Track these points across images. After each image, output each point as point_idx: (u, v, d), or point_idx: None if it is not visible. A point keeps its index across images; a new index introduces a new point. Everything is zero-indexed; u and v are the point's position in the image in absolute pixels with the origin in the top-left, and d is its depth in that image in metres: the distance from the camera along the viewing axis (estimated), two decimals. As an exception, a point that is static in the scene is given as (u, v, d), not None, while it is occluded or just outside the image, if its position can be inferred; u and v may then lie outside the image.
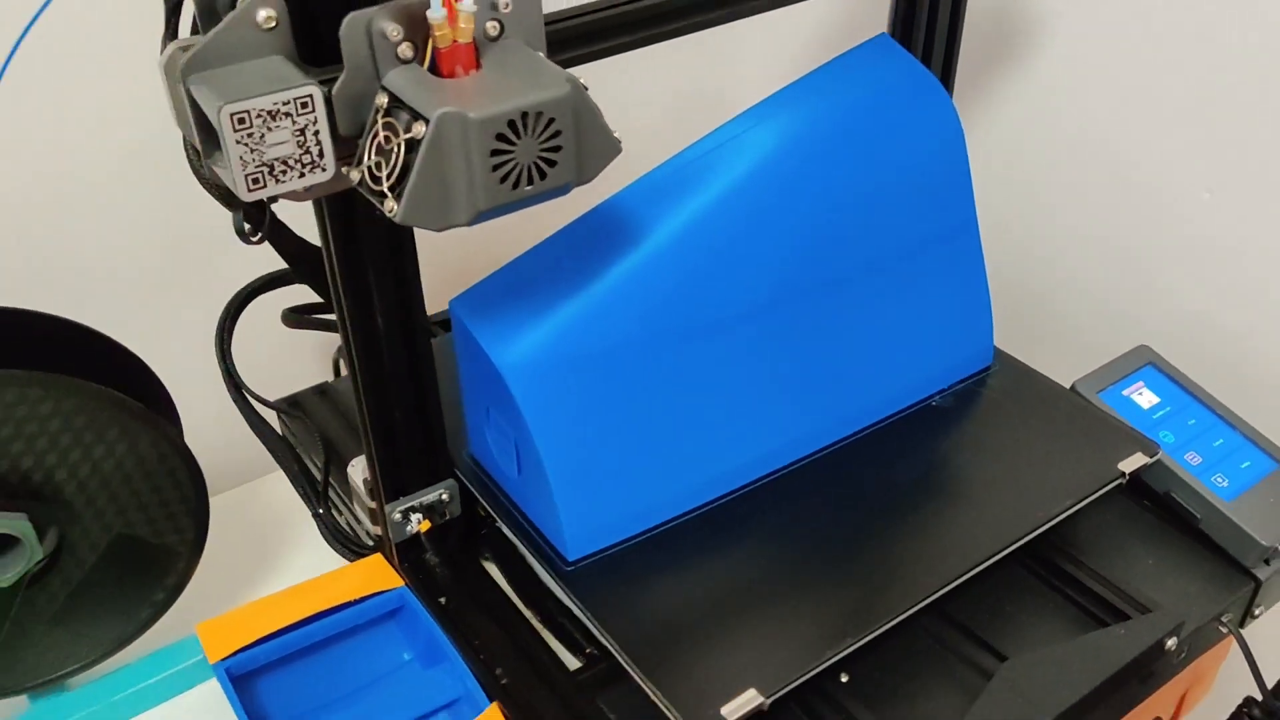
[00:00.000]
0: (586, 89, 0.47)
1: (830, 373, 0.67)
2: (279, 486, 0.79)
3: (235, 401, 0.70)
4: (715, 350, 0.62)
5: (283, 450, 0.72)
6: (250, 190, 0.46)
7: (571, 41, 0.56)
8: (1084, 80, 0.86)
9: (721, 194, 0.61)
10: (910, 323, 0.70)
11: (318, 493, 0.72)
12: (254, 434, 0.71)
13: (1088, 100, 0.86)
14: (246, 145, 0.45)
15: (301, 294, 0.70)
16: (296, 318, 0.75)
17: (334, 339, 0.84)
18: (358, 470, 0.70)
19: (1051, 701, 0.56)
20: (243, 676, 0.61)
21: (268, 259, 0.64)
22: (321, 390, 0.83)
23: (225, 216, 0.56)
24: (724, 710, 0.52)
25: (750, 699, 0.53)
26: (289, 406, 0.79)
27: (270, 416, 0.74)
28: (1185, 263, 0.84)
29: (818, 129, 0.64)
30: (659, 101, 1.04)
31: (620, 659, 0.56)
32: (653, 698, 0.54)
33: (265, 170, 0.46)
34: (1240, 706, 0.68)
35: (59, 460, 0.56)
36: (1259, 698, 0.66)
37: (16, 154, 0.77)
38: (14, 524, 0.54)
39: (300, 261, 0.63)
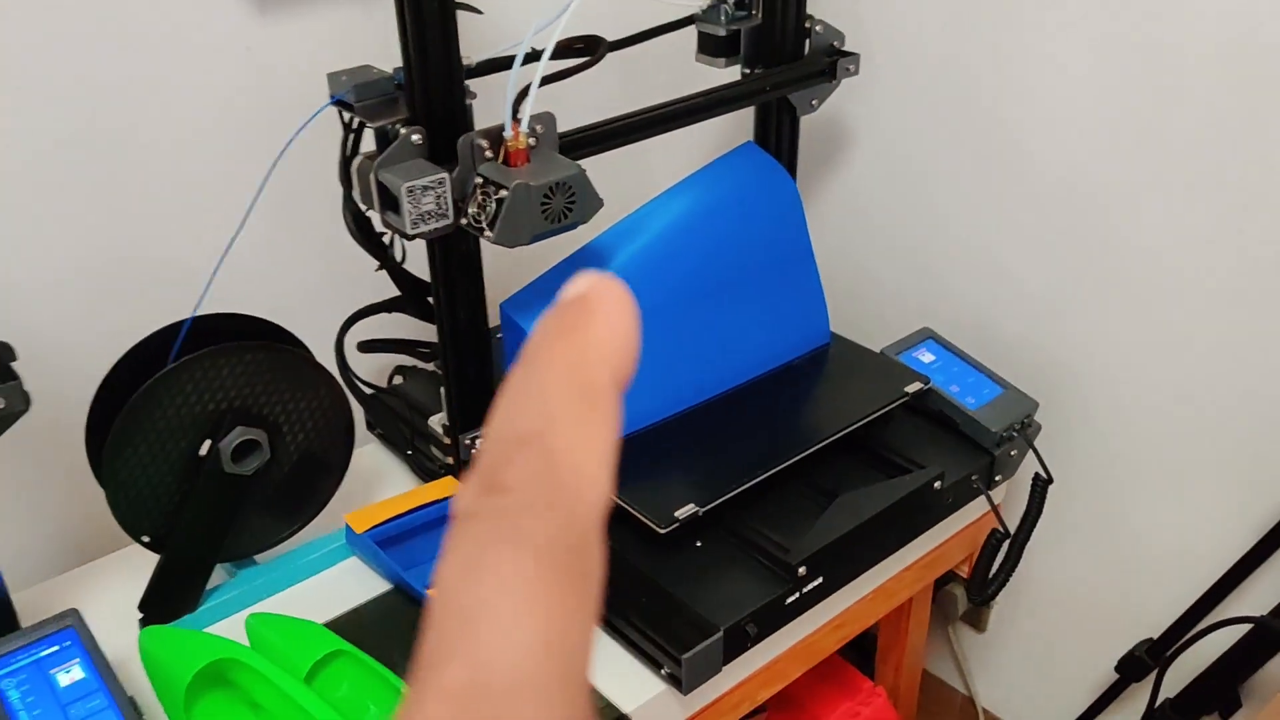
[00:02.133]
0: (584, 170, 0.90)
1: (731, 343, 1.09)
2: (373, 452, 1.17)
3: (346, 384, 1.08)
4: (662, 321, 1.04)
5: (384, 415, 1.11)
6: (412, 229, 0.87)
7: (571, 148, 0.98)
8: (874, 154, 1.32)
9: (663, 229, 1.03)
10: (777, 314, 1.12)
11: (406, 440, 1.10)
12: (362, 406, 1.09)
13: (882, 167, 1.32)
14: (412, 205, 0.86)
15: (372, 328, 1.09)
16: (370, 343, 1.14)
17: (390, 361, 1.23)
18: (436, 422, 1.08)
19: (866, 510, 0.97)
20: (378, 541, 0.99)
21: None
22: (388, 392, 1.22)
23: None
24: (676, 513, 0.92)
25: (690, 509, 0.92)
26: (382, 391, 1.18)
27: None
28: (956, 267, 1.29)
29: (713, 195, 1.07)
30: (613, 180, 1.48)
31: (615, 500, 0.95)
32: (632, 511, 0.93)
33: (421, 219, 0.87)
34: (988, 537, 1.10)
35: (273, 398, 0.93)
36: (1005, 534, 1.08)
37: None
38: (256, 433, 0.91)
39: (404, 288, 1.04)
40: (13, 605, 0.85)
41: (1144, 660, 1.18)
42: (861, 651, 1.37)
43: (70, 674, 0.80)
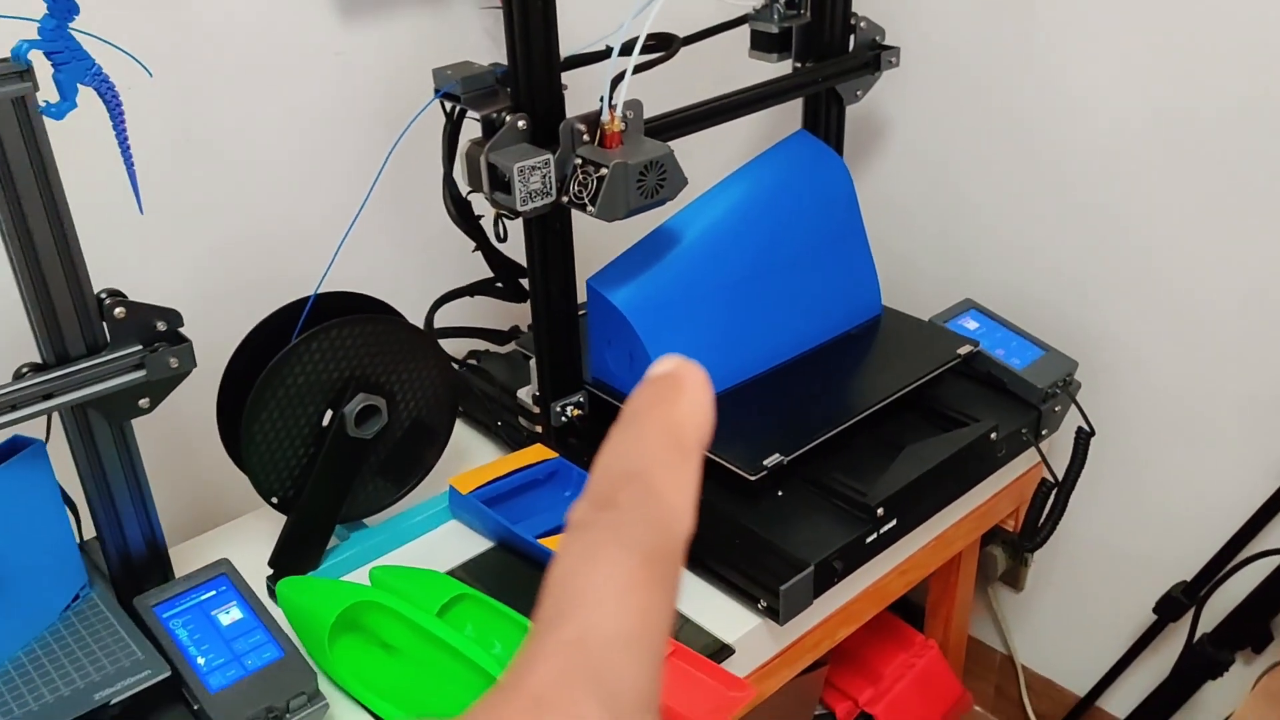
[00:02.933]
0: (673, 151, 0.99)
1: (795, 313, 1.18)
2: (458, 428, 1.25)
3: (440, 364, 1.16)
4: (730, 294, 1.13)
5: (472, 391, 1.19)
6: (522, 206, 0.96)
7: (659, 132, 1.06)
8: (910, 142, 1.42)
9: (728, 210, 1.12)
10: (834, 287, 1.21)
11: (496, 413, 1.19)
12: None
13: (918, 154, 1.42)
14: (522, 184, 0.95)
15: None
16: (447, 329, 1.22)
17: (457, 348, 1.31)
18: (525, 393, 1.17)
19: (931, 459, 1.06)
20: (484, 501, 1.07)
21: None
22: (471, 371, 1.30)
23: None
24: (765, 462, 1.00)
25: (776, 458, 1.01)
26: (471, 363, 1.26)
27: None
28: (990, 244, 1.38)
29: (773, 178, 1.16)
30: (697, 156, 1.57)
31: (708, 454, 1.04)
32: (723, 463, 1.01)
33: (529, 196, 0.96)
34: (1038, 487, 1.19)
35: (389, 368, 1.01)
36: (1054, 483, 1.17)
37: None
38: (377, 400, 0.99)
39: (497, 269, 1.12)
40: (169, 558, 0.93)
41: (1180, 600, 1.27)
42: (909, 612, 1.45)
43: (230, 614, 0.88)
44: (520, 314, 1.25)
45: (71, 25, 0.73)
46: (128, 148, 0.78)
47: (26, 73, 0.72)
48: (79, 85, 0.74)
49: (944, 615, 1.40)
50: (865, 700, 1.34)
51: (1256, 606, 1.19)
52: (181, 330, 0.84)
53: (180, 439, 1.14)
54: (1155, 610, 1.31)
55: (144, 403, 0.84)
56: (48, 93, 0.74)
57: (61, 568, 0.87)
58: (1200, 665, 1.23)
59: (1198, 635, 1.25)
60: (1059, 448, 1.26)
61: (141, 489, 0.87)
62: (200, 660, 0.84)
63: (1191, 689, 1.26)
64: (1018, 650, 1.58)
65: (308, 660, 0.86)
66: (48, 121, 0.75)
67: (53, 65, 0.73)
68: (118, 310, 0.81)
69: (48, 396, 0.78)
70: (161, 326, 0.83)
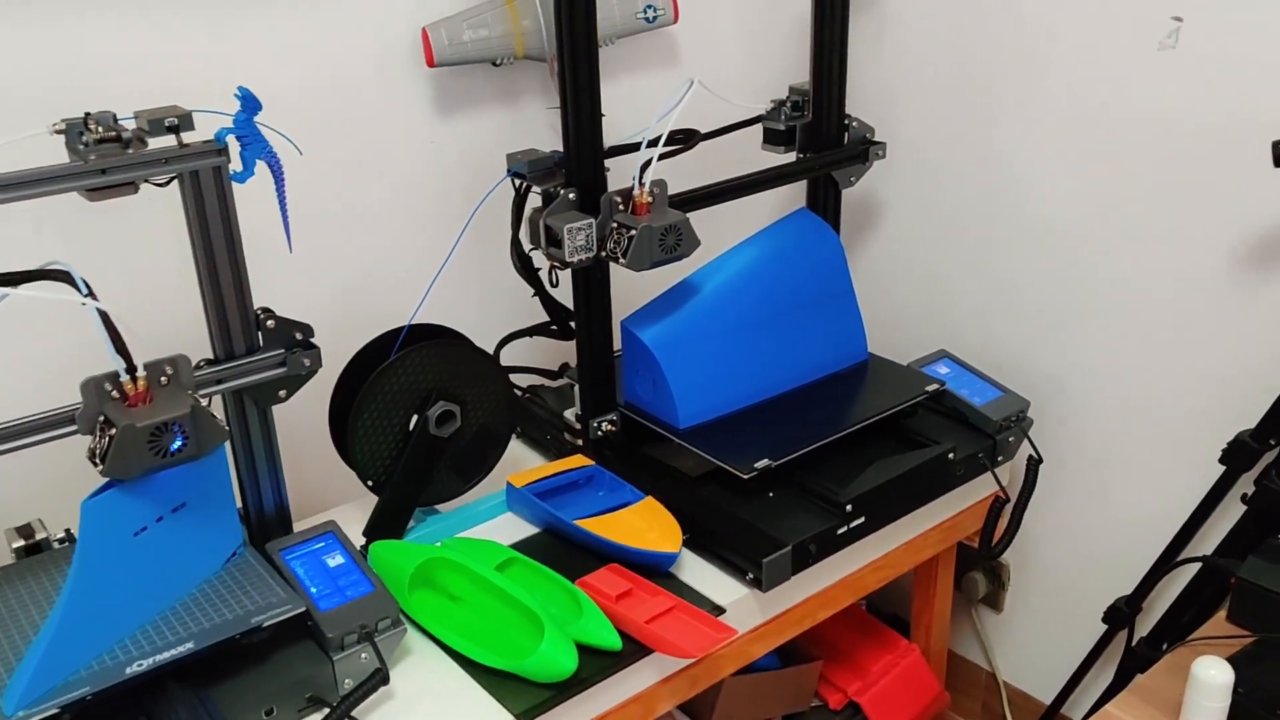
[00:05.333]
0: (689, 219, 1.27)
1: (793, 356, 1.44)
2: (514, 444, 1.52)
3: (503, 389, 1.44)
4: (738, 337, 1.39)
5: (528, 412, 1.46)
6: (570, 258, 1.24)
7: (683, 204, 1.35)
8: (897, 218, 1.69)
9: (739, 270, 1.40)
10: (827, 336, 1.47)
11: (546, 428, 1.46)
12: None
13: (904, 228, 1.69)
14: (570, 241, 1.23)
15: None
16: (512, 368, 1.50)
17: (524, 379, 1.59)
18: (570, 414, 1.44)
19: (896, 469, 1.30)
20: (535, 494, 1.33)
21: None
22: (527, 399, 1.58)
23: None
24: (756, 464, 1.25)
25: (765, 462, 1.26)
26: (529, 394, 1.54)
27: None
28: (964, 303, 1.64)
29: (778, 245, 1.44)
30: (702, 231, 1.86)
31: (703, 455, 1.30)
32: (722, 465, 1.27)
33: (575, 251, 1.24)
34: (992, 503, 1.42)
35: (463, 383, 1.29)
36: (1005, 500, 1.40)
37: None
38: (453, 407, 1.27)
39: (551, 312, 1.41)
40: (291, 518, 1.20)
41: (1123, 610, 1.48)
42: (896, 624, 1.67)
43: (335, 560, 1.14)
44: (567, 353, 1.53)
45: (255, 118, 1.03)
46: (285, 204, 1.08)
47: (223, 150, 1.03)
48: (257, 160, 1.04)
49: (925, 624, 1.62)
50: (854, 691, 1.55)
51: (1179, 609, 1.39)
52: (313, 340, 1.13)
53: (288, 443, 1.43)
54: (1104, 620, 1.52)
55: (282, 393, 1.13)
56: (234, 164, 1.05)
57: (227, 530, 1.14)
58: (1136, 664, 1.43)
59: (1135, 639, 1.45)
60: (1019, 478, 1.49)
61: (275, 460, 1.16)
62: (313, 589, 1.10)
63: (1125, 683, 1.45)
64: (1000, 667, 1.78)
65: (391, 595, 1.12)
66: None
67: (241, 145, 1.03)
68: (269, 322, 1.10)
69: (219, 381, 1.07)
70: (299, 336, 1.12)
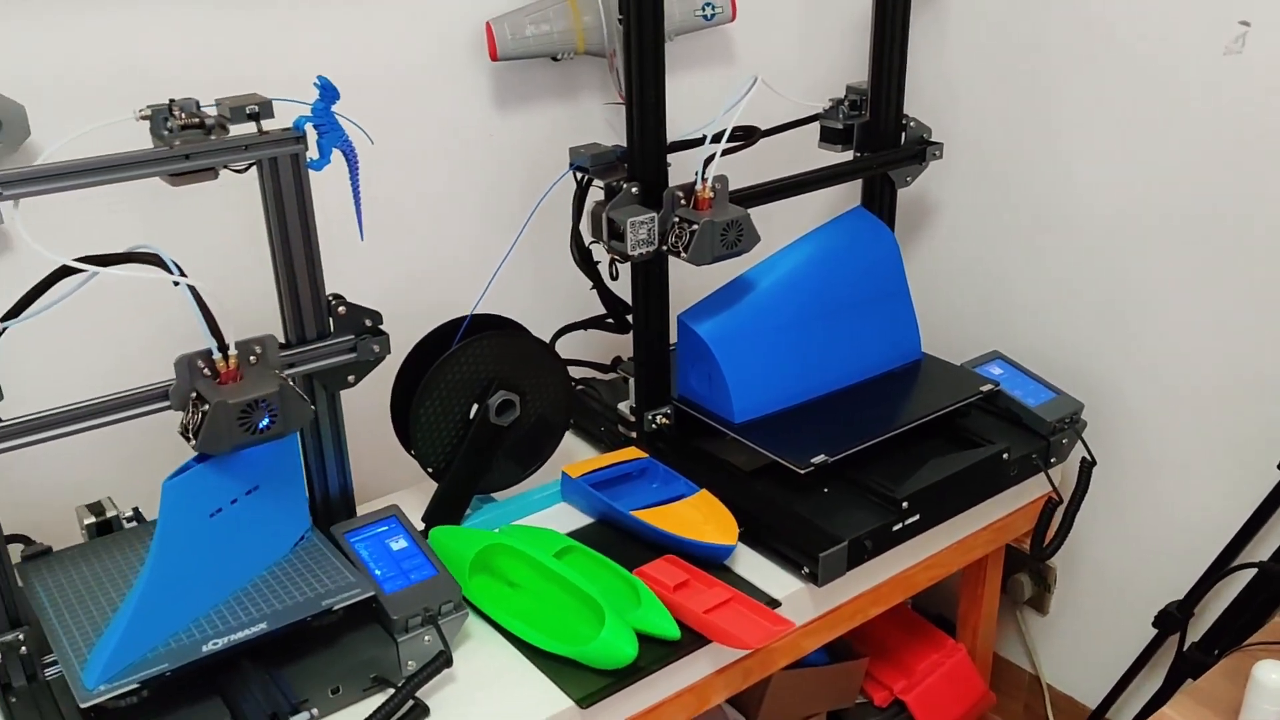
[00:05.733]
0: (749, 214, 1.28)
1: (849, 352, 1.45)
2: (569, 437, 1.54)
3: (558, 381, 1.45)
4: (793, 333, 1.40)
5: (584, 404, 1.48)
6: (632, 251, 1.25)
7: (742, 200, 1.36)
8: (950, 219, 1.69)
9: (795, 266, 1.41)
10: (882, 334, 1.48)
11: (599, 420, 1.47)
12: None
13: (963, 231, 1.69)
14: (633, 235, 1.25)
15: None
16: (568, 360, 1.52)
17: (577, 372, 1.60)
18: (624, 406, 1.45)
19: (951, 468, 1.31)
20: (591, 484, 1.34)
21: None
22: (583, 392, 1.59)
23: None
24: (812, 460, 1.26)
25: (822, 457, 1.27)
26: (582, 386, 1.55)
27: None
28: (1017, 304, 1.64)
29: (835, 243, 1.44)
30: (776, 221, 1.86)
31: (759, 450, 1.30)
32: (780, 461, 1.28)
33: (637, 244, 1.25)
34: (1045, 504, 1.42)
35: (522, 373, 1.30)
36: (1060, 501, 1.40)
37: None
38: (513, 396, 1.29)
39: (608, 305, 1.42)
40: (355, 502, 1.22)
41: (1174, 615, 1.47)
42: (942, 624, 1.67)
43: (398, 543, 1.16)
44: (619, 347, 1.54)
45: (333, 107, 1.05)
46: (358, 193, 1.10)
47: (301, 138, 1.05)
48: (333, 149, 1.06)
49: (972, 625, 1.62)
50: (900, 689, 1.56)
51: (1233, 614, 1.39)
52: (381, 326, 1.15)
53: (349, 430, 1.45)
54: (1154, 624, 1.51)
55: (351, 378, 1.14)
56: (311, 152, 1.07)
57: (297, 514, 1.16)
58: (1187, 669, 1.43)
59: (1187, 644, 1.45)
60: (1071, 479, 1.49)
61: (342, 444, 1.17)
62: (377, 572, 1.12)
63: (1176, 688, 1.45)
64: (1043, 670, 1.78)
65: (454, 579, 1.14)
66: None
67: (318, 134, 1.05)
68: (340, 308, 1.12)
69: (291, 365, 1.09)
70: (369, 323, 1.14)
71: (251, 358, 0.97)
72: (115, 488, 1.25)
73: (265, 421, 0.94)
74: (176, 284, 0.91)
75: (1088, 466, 1.43)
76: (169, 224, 1.28)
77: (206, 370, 0.95)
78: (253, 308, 1.18)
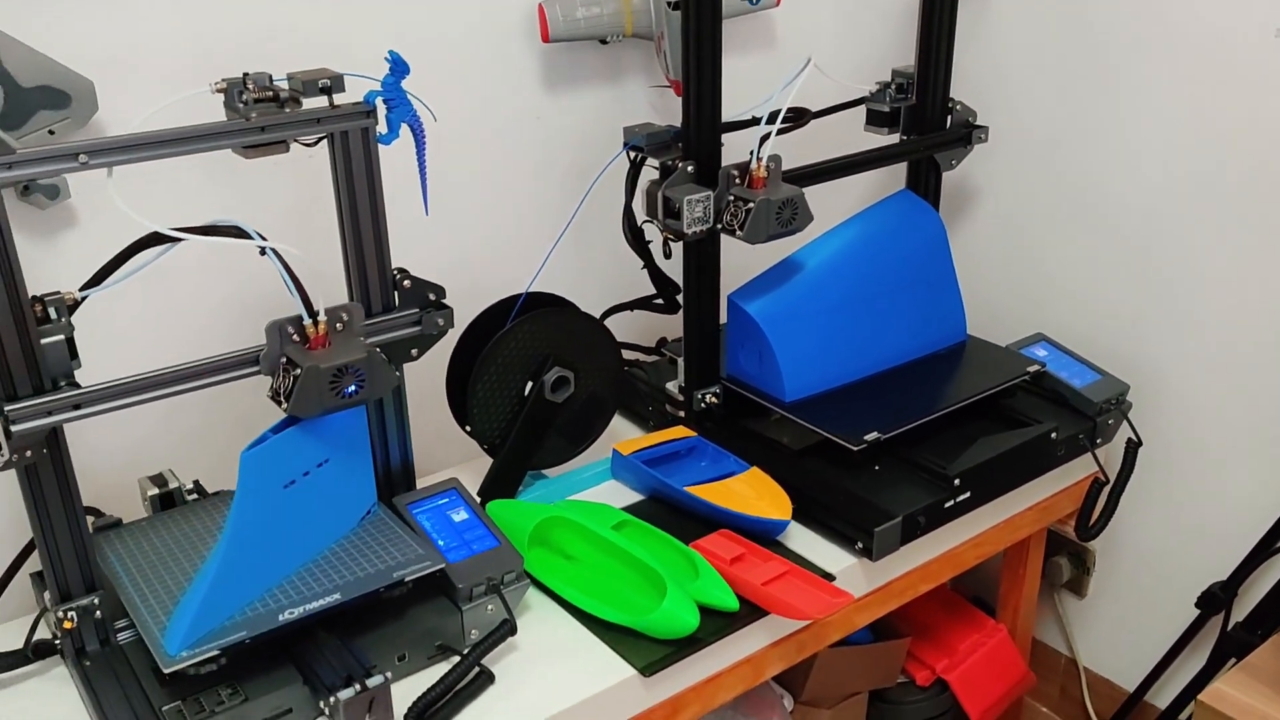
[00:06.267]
0: (804, 193, 1.29)
1: (896, 332, 1.46)
2: (616, 419, 1.55)
3: (606, 360, 1.47)
4: (841, 314, 1.41)
5: (632, 384, 1.49)
6: (687, 230, 1.27)
7: (793, 179, 1.37)
8: (994, 202, 1.70)
9: (842, 247, 1.42)
10: (928, 315, 1.49)
11: (647, 400, 1.48)
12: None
13: (1008, 214, 1.70)
14: (688, 213, 1.26)
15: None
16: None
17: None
18: (672, 386, 1.46)
19: (1001, 447, 1.32)
20: (643, 461, 1.36)
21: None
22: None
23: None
24: (865, 437, 1.27)
25: (875, 434, 1.28)
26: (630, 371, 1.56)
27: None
28: (1063, 289, 1.65)
29: (882, 225, 1.46)
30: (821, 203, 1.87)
31: (809, 427, 1.32)
32: (833, 438, 1.29)
33: (693, 223, 1.26)
34: (1091, 484, 1.43)
35: (576, 351, 1.32)
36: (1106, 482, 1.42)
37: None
38: (567, 373, 1.30)
39: (658, 285, 1.43)
40: (415, 474, 1.24)
41: (1218, 595, 1.48)
42: (982, 608, 1.68)
43: (459, 515, 1.18)
44: (662, 329, 1.56)
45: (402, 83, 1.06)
46: (424, 168, 1.11)
47: (371, 112, 1.06)
48: (401, 124, 1.07)
49: (1013, 606, 1.63)
50: (942, 669, 1.57)
51: (1278, 594, 1.40)
52: (445, 301, 1.16)
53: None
54: (1197, 605, 1.52)
55: (414, 351, 1.16)
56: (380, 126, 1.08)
57: (365, 488, 1.17)
58: (1232, 648, 1.44)
59: (1231, 624, 1.46)
60: (1115, 460, 1.50)
61: (404, 417, 1.19)
62: (440, 542, 1.13)
63: (1219, 667, 1.46)
64: (1080, 653, 1.79)
65: (516, 549, 1.15)
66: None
67: (387, 109, 1.07)
68: (405, 282, 1.13)
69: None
70: (432, 297, 1.15)
71: (338, 325, 0.99)
72: (173, 463, 1.27)
73: (352, 388, 0.96)
74: (263, 252, 0.92)
75: (1134, 447, 1.44)
76: (220, 201, 1.30)
77: (296, 336, 0.97)
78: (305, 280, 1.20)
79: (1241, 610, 1.47)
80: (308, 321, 0.96)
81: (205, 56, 1.23)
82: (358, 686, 0.96)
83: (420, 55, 1.38)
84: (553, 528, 1.24)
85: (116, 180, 0.94)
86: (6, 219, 0.89)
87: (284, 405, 0.94)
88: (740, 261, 1.45)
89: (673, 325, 1.51)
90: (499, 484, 1.32)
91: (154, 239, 0.92)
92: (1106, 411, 1.44)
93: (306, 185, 1.33)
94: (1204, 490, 1.57)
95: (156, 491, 1.21)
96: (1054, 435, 1.38)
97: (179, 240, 0.91)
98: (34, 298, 0.94)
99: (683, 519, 1.29)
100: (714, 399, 1.44)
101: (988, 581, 1.70)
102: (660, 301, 1.48)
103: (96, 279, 0.95)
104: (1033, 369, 1.44)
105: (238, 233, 0.94)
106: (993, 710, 1.61)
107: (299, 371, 0.92)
